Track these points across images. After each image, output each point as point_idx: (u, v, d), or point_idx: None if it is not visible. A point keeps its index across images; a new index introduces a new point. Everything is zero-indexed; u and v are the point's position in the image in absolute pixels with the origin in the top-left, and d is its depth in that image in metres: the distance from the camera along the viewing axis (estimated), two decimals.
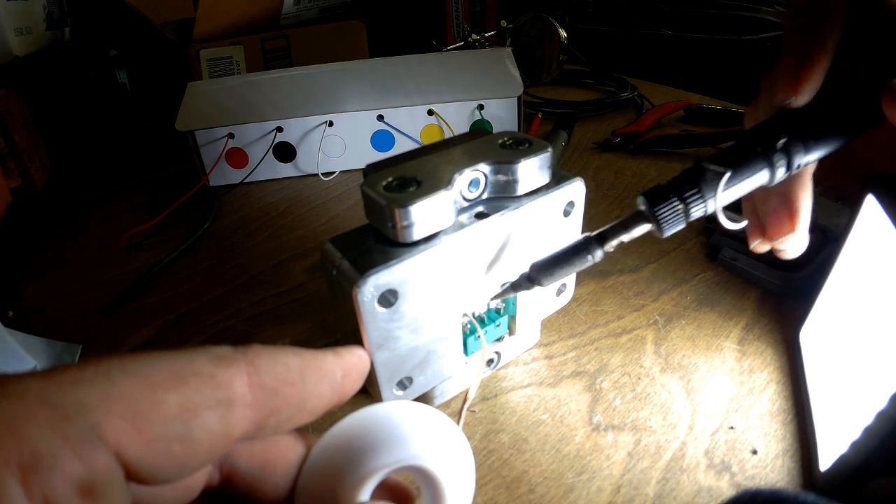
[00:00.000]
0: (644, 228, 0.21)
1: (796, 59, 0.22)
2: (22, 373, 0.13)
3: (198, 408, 0.14)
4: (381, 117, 0.56)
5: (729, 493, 0.25)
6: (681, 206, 0.19)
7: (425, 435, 0.18)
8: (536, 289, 0.24)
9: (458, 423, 0.20)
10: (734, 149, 0.20)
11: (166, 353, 0.14)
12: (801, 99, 0.22)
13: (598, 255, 0.22)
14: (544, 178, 0.26)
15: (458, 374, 0.29)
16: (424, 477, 0.18)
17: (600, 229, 0.22)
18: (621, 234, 0.22)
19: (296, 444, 0.19)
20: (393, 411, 0.19)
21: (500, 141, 0.26)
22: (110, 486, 0.12)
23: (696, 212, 0.19)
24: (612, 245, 0.22)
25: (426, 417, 0.19)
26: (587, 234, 0.23)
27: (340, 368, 0.18)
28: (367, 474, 0.17)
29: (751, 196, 0.22)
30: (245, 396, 0.15)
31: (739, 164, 0.20)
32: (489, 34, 0.85)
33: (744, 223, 0.21)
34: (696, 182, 0.20)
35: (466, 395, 0.25)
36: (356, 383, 0.19)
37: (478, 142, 0.27)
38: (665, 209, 0.20)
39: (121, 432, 0.12)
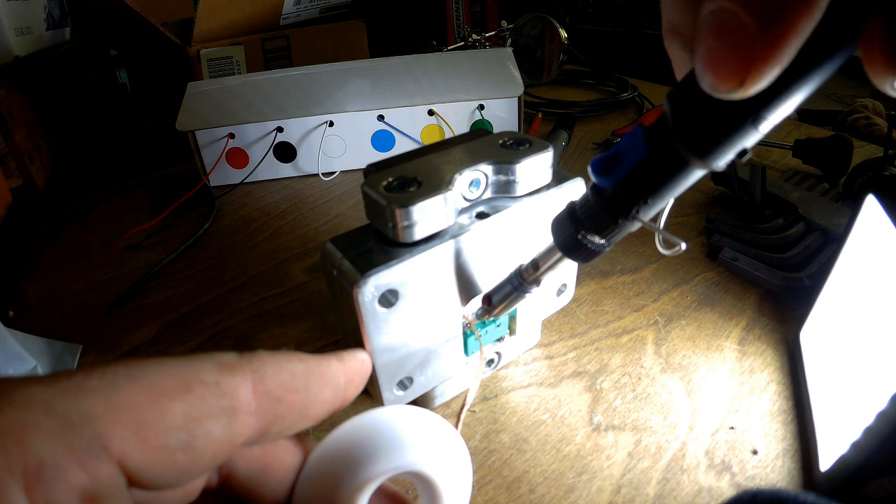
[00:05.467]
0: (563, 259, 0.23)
1: (756, 24, 0.12)
2: (26, 377, 0.13)
3: (202, 416, 0.14)
4: (381, 117, 0.56)
5: (729, 493, 0.25)
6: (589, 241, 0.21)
7: (423, 440, 0.18)
8: (534, 290, 0.25)
9: (456, 426, 0.20)
10: (597, 219, 0.20)
11: (172, 360, 0.14)
12: (750, 91, 0.13)
13: (531, 288, 0.24)
14: (545, 178, 0.26)
15: (459, 374, 0.29)
16: (422, 481, 0.18)
17: (526, 265, 0.24)
18: (546, 269, 0.23)
19: (294, 449, 0.19)
20: (391, 416, 0.19)
21: (500, 141, 0.26)
22: (113, 495, 0.12)
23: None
24: (540, 278, 0.24)
25: (424, 422, 0.19)
26: (519, 267, 0.25)
27: (344, 374, 0.18)
28: (366, 481, 0.17)
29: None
30: (249, 404, 0.15)
31: (603, 232, 0.20)
32: (489, 34, 0.85)
33: (682, 245, 0.20)
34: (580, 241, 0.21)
35: (465, 399, 0.25)
36: (359, 388, 0.19)
37: (478, 142, 0.27)
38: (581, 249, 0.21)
39: (125, 442, 0.12)
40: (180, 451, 0.13)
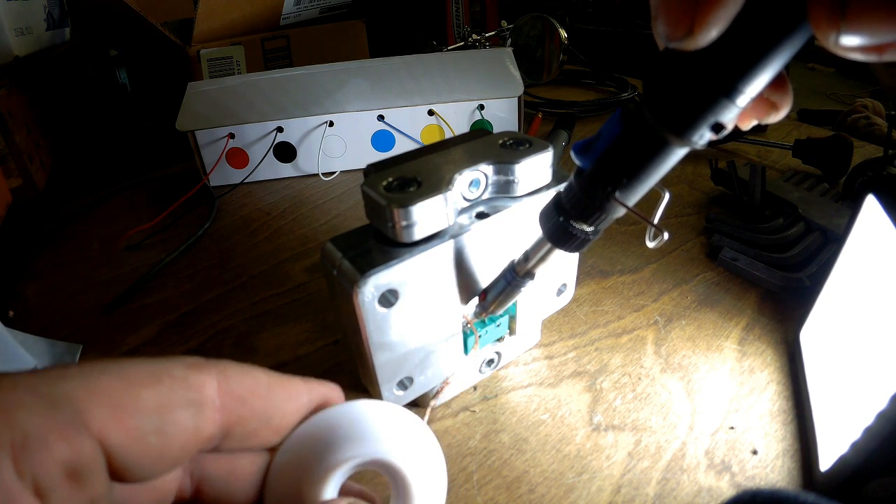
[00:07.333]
0: (553, 250, 0.23)
1: None
2: (10, 372, 0.14)
3: (172, 405, 0.15)
4: (381, 117, 0.56)
5: (729, 493, 0.25)
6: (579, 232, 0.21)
7: (389, 430, 0.19)
8: (533, 289, 0.25)
9: (423, 417, 0.21)
10: (579, 202, 0.20)
11: (143, 359, 0.16)
12: (700, 39, 0.13)
13: (525, 281, 0.24)
14: (545, 178, 0.26)
15: (459, 374, 0.29)
16: (391, 473, 0.19)
17: (519, 258, 0.24)
18: (537, 261, 0.23)
19: (262, 453, 0.19)
20: (357, 409, 0.19)
21: (500, 141, 0.26)
22: (94, 472, 0.13)
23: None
24: (532, 271, 0.24)
25: (390, 414, 0.19)
26: (511, 262, 0.25)
27: (307, 393, 0.19)
28: (331, 468, 0.18)
29: None
30: (214, 400, 0.16)
31: (588, 218, 0.20)
32: (489, 34, 0.85)
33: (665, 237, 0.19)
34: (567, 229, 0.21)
35: (443, 386, 0.25)
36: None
37: (478, 142, 0.27)
38: (569, 239, 0.21)
39: (103, 421, 0.13)
40: (153, 434, 0.14)
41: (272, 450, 0.19)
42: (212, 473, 0.18)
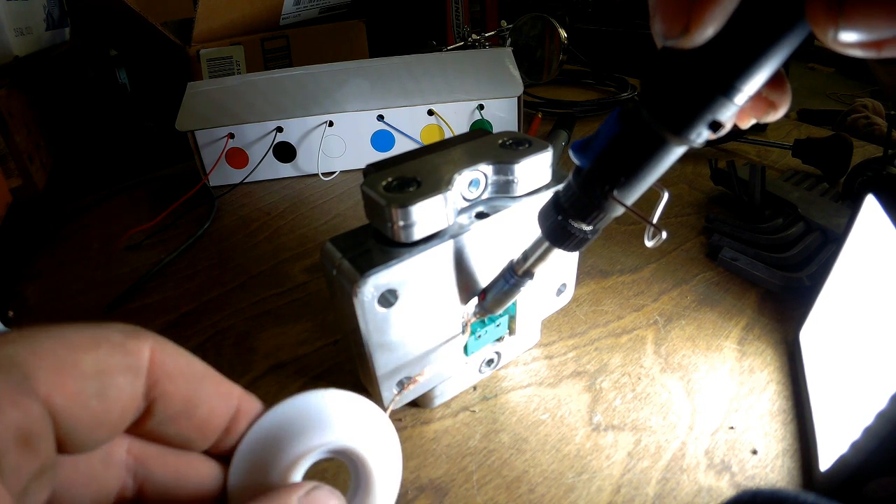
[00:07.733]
0: (552, 250, 0.23)
1: None
2: None
3: (111, 370, 0.15)
4: (381, 117, 0.56)
5: (729, 493, 0.25)
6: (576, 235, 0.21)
7: (352, 419, 0.19)
8: (533, 289, 0.25)
9: (385, 411, 0.21)
10: (577, 201, 0.20)
11: (82, 324, 0.15)
12: (696, 37, 0.14)
13: (524, 281, 0.24)
14: (544, 178, 0.26)
15: (458, 374, 0.29)
16: (355, 461, 0.19)
17: (518, 258, 0.24)
18: (536, 261, 0.23)
19: (210, 463, 0.19)
20: (318, 398, 0.19)
21: (500, 141, 0.26)
22: (44, 438, 0.13)
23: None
24: (531, 271, 0.24)
25: (352, 403, 0.19)
26: (510, 262, 0.25)
27: (238, 398, 0.18)
28: (298, 457, 0.18)
29: None
30: (147, 369, 0.16)
31: (587, 217, 0.20)
32: (489, 34, 0.85)
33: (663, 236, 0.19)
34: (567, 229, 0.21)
35: (408, 386, 0.25)
36: (240, 432, 0.19)
37: (478, 142, 0.27)
38: (568, 238, 0.21)
39: (49, 384, 0.13)
40: (95, 398, 0.14)
41: (225, 461, 0.19)
42: (156, 475, 0.18)
